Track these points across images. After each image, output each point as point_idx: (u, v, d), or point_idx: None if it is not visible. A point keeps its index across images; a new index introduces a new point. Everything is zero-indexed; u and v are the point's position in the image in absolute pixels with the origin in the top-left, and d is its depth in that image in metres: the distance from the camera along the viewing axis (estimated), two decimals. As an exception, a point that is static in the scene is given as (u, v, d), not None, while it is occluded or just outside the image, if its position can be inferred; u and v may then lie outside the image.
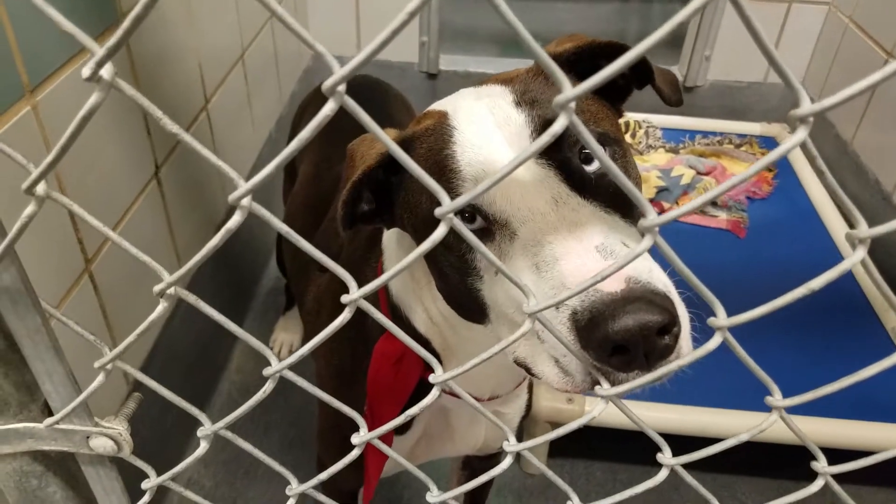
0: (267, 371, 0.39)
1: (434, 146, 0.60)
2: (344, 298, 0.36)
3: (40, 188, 0.32)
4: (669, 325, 0.45)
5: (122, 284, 1.19)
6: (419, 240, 0.67)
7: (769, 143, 2.32)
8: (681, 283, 0.44)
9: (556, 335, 0.39)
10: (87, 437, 0.46)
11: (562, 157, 0.56)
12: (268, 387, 0.39)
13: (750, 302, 0.35)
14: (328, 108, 0.28)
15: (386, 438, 0.84)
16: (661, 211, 1.97)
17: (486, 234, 0.57)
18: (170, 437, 1.43)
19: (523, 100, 0.59)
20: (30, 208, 0.32)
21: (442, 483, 1.52)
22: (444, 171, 0.57)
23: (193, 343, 1.52)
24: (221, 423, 0.42)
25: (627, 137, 2.21)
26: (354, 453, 0.45)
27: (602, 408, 0.40)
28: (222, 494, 1.49)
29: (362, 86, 1.41)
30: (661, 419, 1.39)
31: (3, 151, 0.33)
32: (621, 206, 0.56)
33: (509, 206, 0.54)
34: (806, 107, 0.27)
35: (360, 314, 1.02)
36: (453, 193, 0.56)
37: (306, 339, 1.18)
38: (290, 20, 0.27)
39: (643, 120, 2.27)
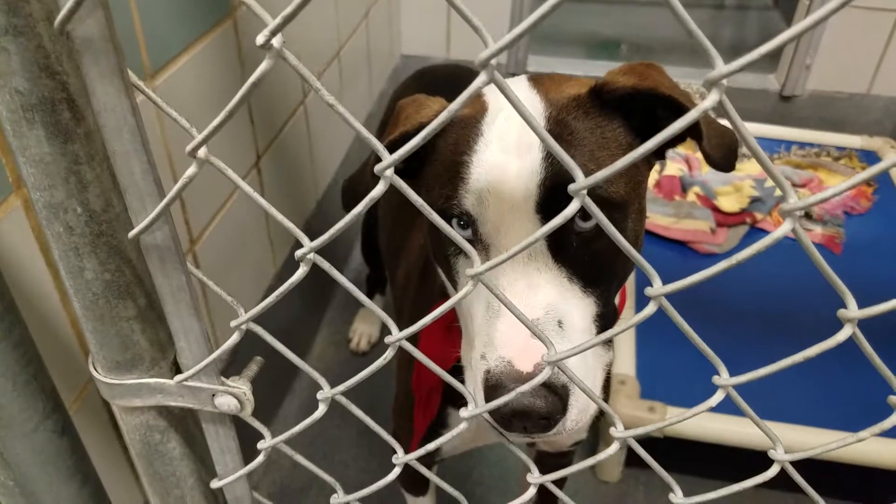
0: (320, 395, 0.42)
1: (459, 142, 0.60)
2: (387, 339, 0.43)
3: (201, 152, 0.34)
4: (552, 415, 0.52)
5: (220, 264, 1.25)
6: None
7: (870, 157, 2.22)
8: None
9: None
10: (213, 396, 0.48)
11: (557, 211, 0.57)
12: (320, 410, 0.41)
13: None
14: (378, 190, 0.32)
15: (430, 408, 0.86)
16: (753, 221, 1.92)
17: (472, 245, 0.62)
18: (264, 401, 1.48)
19: (551, 133, 0.58)
20: (191, 170, 0.35)
21: (512, 483, 1.53)
22: (455, 176, 0.59)
23: (278, 329, 1.57)
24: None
25: (719, 145, 2.16)
26: (394, 473, 0.51)
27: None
28: (300, 476, 1.53)
29: (450, 76, 1.43)
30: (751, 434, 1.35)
31: (169, 115, 0.36)
32: (590, 275, 0.58)
33: (495, 237, 0.58)
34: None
35: (427, 296, 1.03)
36: (455, 201, 0.59)
37: (396, 312, 1.20)
38: (355, 123, 0.29)
39: (736, 128, 2.21)
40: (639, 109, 0.60)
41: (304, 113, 1.60)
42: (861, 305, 0.34)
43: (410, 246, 1.11)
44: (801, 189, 2.06)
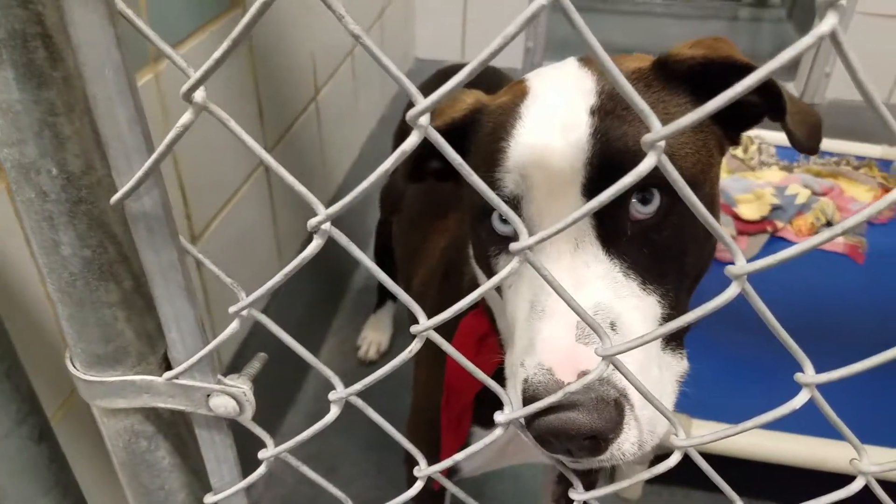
0: (332, 395, 0.36)
1: (497, 130, 0.56)
2: (413, 329, 0.37)
3: (198, 95, 0.28)
4: (599, 433, 0.43)
5: (221, 264, 1.18)
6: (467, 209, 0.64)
7: (889, 166, 2.16)
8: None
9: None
10: (208, 396, 0.42)
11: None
12: (333, 413, 0.35)
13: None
14: (411, 142, 0.28)
15: (461, 430, 0.80)
16: (774, 229, 1.86)
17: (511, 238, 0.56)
18: (264, 412, 1.41)
19: (603, 108, 0.51)
20: (186, 116, 0.28)
21: (526, 500, 1.45)
22: (493, 163, 0.54)
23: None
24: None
25: (738, 152, 2.10)
26: (416, 486, 0.46)
27: (677, 458, 0.39)
28: (303, 492, 1.46)
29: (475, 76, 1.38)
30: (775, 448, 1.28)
31: (168, 56, 0.30)
32: (650, 270, 0.50)
33: (538, 221, 0.51)
34: None
35: (452, 296, 0.98)
36: (495, 188, 0.53)
37: (410, 319, 1.15)
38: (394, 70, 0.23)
39: (755, 136, 2.15)
40: (708, 86, 0.53)
41: (316, 110, 1.55)
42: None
43: (429, 249, 1.06)
44: (822, 197, 2.00)
